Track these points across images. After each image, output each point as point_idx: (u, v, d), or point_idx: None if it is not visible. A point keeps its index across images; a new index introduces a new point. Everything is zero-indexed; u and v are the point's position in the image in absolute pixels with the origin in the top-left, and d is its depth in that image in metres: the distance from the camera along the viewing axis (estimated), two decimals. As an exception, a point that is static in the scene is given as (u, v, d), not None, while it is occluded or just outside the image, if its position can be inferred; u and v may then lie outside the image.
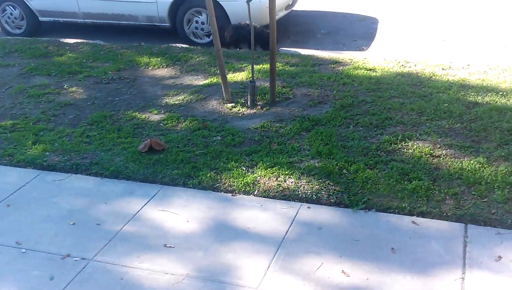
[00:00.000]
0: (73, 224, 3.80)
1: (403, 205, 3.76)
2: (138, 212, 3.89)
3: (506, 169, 4.07)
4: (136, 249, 3.49)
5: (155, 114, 5.53)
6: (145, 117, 5.47)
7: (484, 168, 4.12)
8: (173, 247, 3.49)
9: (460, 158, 4.30)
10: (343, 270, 3.20)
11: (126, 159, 4.59)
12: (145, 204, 3.98)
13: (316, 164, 4.34)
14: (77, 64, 7.21)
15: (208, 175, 4.28)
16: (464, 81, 5.92)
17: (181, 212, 3.86)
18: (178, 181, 4.25)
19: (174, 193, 4.12)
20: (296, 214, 3.77)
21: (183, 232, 3.64)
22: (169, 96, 6.01)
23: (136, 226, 3.74)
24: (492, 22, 8.73)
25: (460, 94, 5.53)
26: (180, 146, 4.79)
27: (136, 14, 8.37)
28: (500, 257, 3.24)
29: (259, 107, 5.54)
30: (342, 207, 3.83)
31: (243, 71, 6.65)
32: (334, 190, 4.00)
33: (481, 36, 8.06)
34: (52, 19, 8.99)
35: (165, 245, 3.51)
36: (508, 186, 3.89)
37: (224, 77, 5.66)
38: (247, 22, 6.97)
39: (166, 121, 5.33)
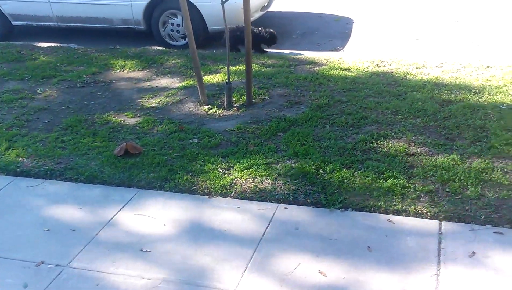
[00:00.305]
0: (48, 230, 3.74)
1: (379, 204, 3.79)
2: (114, 217, 3.85)
3: (479, 166, 4.13)
4: (112, 254, 3.46)
5: (131, 118, 5.49)
6: (121, 120, 5.43)
7: (458, 165, 4.18)
8: (150, 251, 3.47)
9: (434, 156, 4.35)
10: (320, 270, 3.21)
11: (102, 164, 4.54)
12: (121, 209, 3.94)
13: (293, 164, 4.35)
14: (51, 68, 7.12)
15: (185, 178, 4.26)
16: (438, 79, 6.00)
17: (157, 216, 3.84)
18: (155, 185, 4.23)
19: (150, 196, 4.09)
20: (273, 215, 3.77)
21: (160, 236, 3.62)
22: (145, 99, 5.97)
23: (112, 231, 3.71)
24: (464, 21, 8.87)
25: (434, 92, 5.59)
26: (156, 149, 4.76)
27: (110, 17, 8.30)
28: (474, 253, 3.28)
29: (235, 108, 5.54)
30: (319, 207, 3.84)
31: (219, 72, 6.63)
32: (311, 190, 4.01)
33: (454, 35, 8.17)
34: (25, 23, 8.87)
35: (141, 250, 3.48)
36: (482, 183, 3.94)
37: (200, 79, 5.64)
38: (243, 24, 6.84)
39: (142, 124, 5.29)
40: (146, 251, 3.47)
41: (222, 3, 5.13)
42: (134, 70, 6.95)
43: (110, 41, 8.52)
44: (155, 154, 4.65)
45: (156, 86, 6.36)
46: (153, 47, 8.00)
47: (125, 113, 5.59)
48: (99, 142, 4.93)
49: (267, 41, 7.49)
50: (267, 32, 7.43)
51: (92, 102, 5.96)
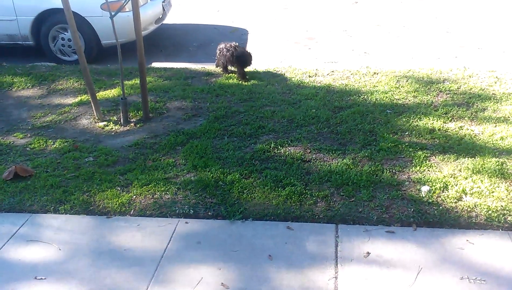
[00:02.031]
0: None
1: (278, 212, 3.87)
2: (4, 245, 3.63)
3: (370, 169, 4.34)
4: (3, 285, 3.25)
5: (21, 138, 5.21)
6: (10, 142, 5.14)
7: (351, 169, 4.37)
8: (45, 278, 3.30)
9: (328, 161, 4.52)
10: (222, 283, 3.21)
11: (-11, 189, 4.27)
12: (12, 236, 3.72)
13: (192, 178, 4.33)
14: None
15: (81, 198, 4.11)
16: (330, 86, 6.25)
17: (52, 241, 3.66)
18: (48, 208, 4.04)
19: (44, 221, 3.90)
20: (174, 230, 3.73)
21: (55, 262, 3.46)
22: (36, 118, 5.70)
23: (3, 260, 3.49)
24: (353, 30, 9.31)
25: (326, 99, 5.82)
26: (49, 170, 4.55)
27: (-5, 32, 7.85)
28: (368, 253, 3.44)
29: (132, 124, 5.44)
30: (219, 219, 3.86)
31: (115, 87, 6.49)
32: (211, 202, 4.02)
33: (343, 44, 8.56)
34: None
35: (35, 278, 3.31)
36: (373, 185, 4.15)
37: (93, 96, 5.48)
38: (234, 43, 6.81)
39: (33, 145, 5.04)
40: (41, 278, 3.30)
41: (111, 17, 5.02)
42: (23, 88, 6.62)
43: (-4, 58, 8.06)
44: (48, 175, 4.45)
45: (48, 104, 6.10)
46: (44, 63, 7.67)
47: (14, 134, 5.30)
48: (-15, 167, 4.64)
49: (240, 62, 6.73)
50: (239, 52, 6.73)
51: (-24, 124, 5.60)
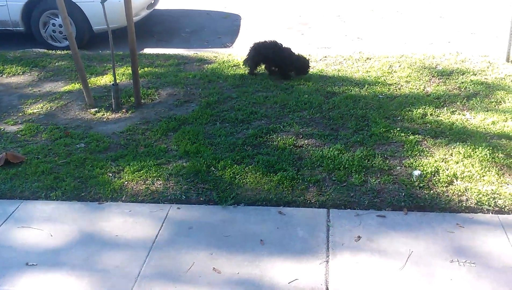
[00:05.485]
0: None
1: (270, 197, 3.88)
2: (-5, 232, 3.63)
3: (362, 154, 4.35)
4: (-5, 272, 3.26)
5: (12, 125, 5.18)
6: (0, 128, 5.11)
7: (343, 154, 4.37)
8: (36, 264, 3.30)
9: (320, 146, 4.52)
10: (214, 267, 3.22)
11: (-20, 176, 4.26)
12: (3, 223, 3.71)
13: (184, 163, 4.33)
14: None
15: (72, 184, 4.10)
16: (322, 72, 6.23)
17: (44, 227, 3.66)
18: (40, 194, 4.03)
19: (35, 207, 3.89)
20: (166, 216, 3.73)
21: (47, 248, 3.45)
22: (27, 105, 5.67)
23: (-6, 247, 3.49)
24: (346, 16, 9.28)
25: (319, 85, 5.81)
26: (41, 157, 4.53)
27: (-16, 18, 7.77)
28: (359, 237, 3.45)
29: (124, 110, 5.41)
30: (211, 204, 3.86)
31: (107, 74, 6.45)
32: (203, 188, 4.02)
33: (337, 29, 8.53)
34: None
35: (27, 264, 3.30)
36: (364, 170, 4.16)
37: (84, 82, 5.45)
38: (271, 40, 6.17)
39: (24, 132, 5.01)
40: (32, 264, 3.30)
41: (102, 2, 4.98)
42: (14, 75, 6.57)
43: (-14, 44, 8.00)
44: (39, 162, 4.43)
45: (39, 91, 6.06)
46: (35, 50, 7.61)
47: (5, 121, 5.27)
48: (-24, 154, 4.61)
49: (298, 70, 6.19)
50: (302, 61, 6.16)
51: (-33, 111, 5.56)
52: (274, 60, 6.13)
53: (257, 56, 6.15)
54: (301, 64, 6.09)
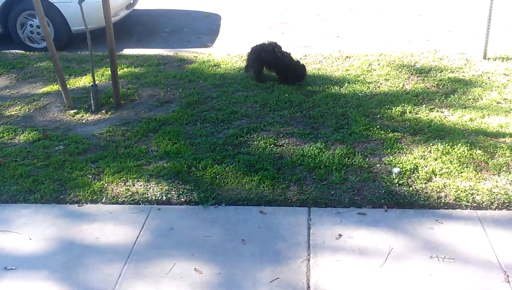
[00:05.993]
0: None
1: (251, 196, 3.88)
2: (-27, 236, 3.58)
3: (342, 152, 4.37)
4: (-27, 277, 3.22)
5: (-11, 128, 5.12)
6: (-23, 132, 5.05)
7: (323, 153, 4.39)
8: (15, 268, 3.26)
9: (301, 145, 4.54)
10: (195, 268, 3.22)
11: (-44, 180, 4.19)
12: (-20, 227, 3.67)
13: (165, 164, 4.31)
14: None
15: (51, 187, 4.06)
16: (302, 71, 6.24)
17: (22, 231, 3.62)
18: (18, 198, 3.98)
19: (13, 211, 3.84)
20: (147, 217, 3.72)
21: (26, 252, 3.42)
22: (4, 107, 5.59)
23: (-28, 252, 3.44)
24: (326, 15, 9.32)
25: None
26: (19, 159, 4.48)
27: (-40, 19, 7.65)
28: (340, 235, 3.47)
29: (103, 111, 5.37)
30: (192, 205, 3.85)
31: (85, 75, 6.39)
32: (184, 189, 4.01)
33: (317, 28, 8.56)
34: None
35: (5, 268, 3.27)
36: (344, 168, 4.18)
37: (63, 83, 5.39)
38: (272, 41, 5.96)
39: (1, 134, 4.95)
40: (11, 269, 3.26)
41: (80, 3, 4.93)
42: (-10, 77, 6.48)
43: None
44: (17, 165, 4.38)
45: (17, 93, 5.98)
46: (12, 51, 7.51)
47: (-18, 124, 5.20)
48: (-48, 157, 4.55)
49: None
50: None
51: None
52: (275, 67, 5.97)
53: (258, 59, 5.93)
54: (300, 72, 5.93)
